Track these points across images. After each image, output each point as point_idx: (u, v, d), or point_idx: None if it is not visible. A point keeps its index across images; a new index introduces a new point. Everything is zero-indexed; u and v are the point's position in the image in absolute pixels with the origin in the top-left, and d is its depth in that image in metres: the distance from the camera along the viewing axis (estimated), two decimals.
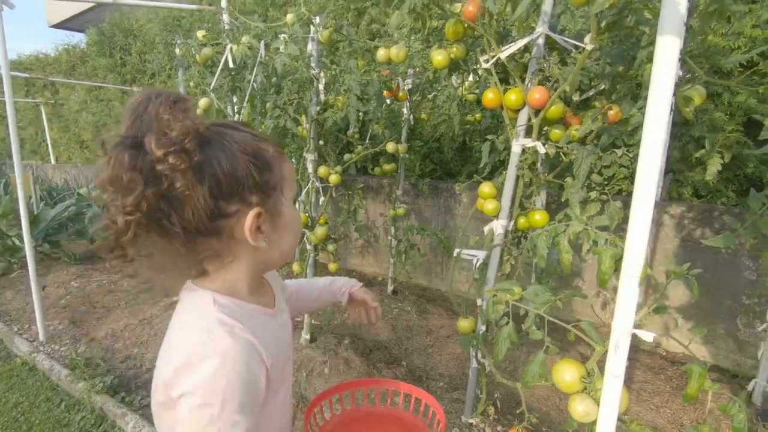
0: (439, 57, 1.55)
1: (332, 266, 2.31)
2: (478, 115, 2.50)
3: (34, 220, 4.16)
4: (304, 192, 2.13)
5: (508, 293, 0.95)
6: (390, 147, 2.31)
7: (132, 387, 2.20)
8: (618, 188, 1.51)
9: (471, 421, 1.73)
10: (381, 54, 1.67)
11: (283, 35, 1.81)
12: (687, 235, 2.51)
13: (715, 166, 1.65)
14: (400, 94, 2.12)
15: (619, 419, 1.04)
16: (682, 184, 2.71)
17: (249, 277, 0.70)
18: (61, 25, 9.47)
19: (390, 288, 3.10)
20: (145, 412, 2.00)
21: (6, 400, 2.20)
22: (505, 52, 1.46)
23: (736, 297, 2.34)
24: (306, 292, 1.00)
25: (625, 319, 0.75)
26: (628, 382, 2.19)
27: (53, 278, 3.63)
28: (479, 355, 1.67)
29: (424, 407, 0.98)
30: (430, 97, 2.57)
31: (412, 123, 2.64)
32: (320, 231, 2.09)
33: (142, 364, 2.38)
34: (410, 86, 2.50)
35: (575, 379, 0.86)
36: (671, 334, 2.58)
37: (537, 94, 1.43)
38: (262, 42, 1.96)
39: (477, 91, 2.45)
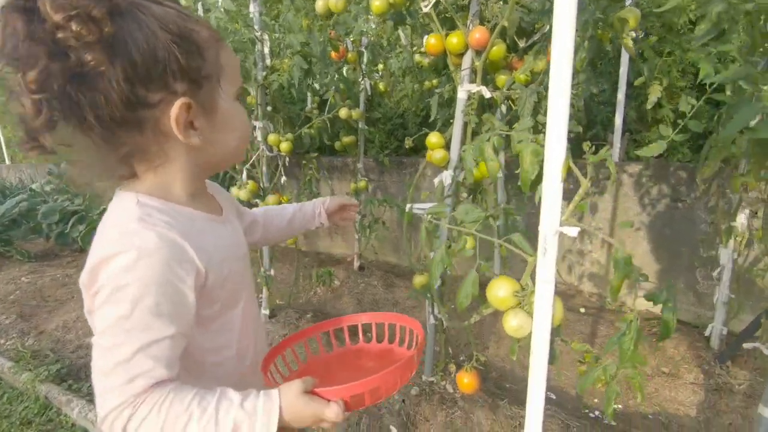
0: (377, 3, 1.49)
1: (290, 241, 2.24)
2: (435, 81, 2.46)
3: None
4: (253, 159, 2.05)
5: (439, 213, 0.90)
6: (343, 112, 2.25)
7: (82, 375, 2.09)
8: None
9: (431, 379, 1.70)
10: (320, 5, 1.60)
11: None
12: (645, 192, 2.53)
13: (655, 93, 1.63)
14: (349, 55, 2.05)
15: (561, 339, 1.01)
16: (640, 144, 2.73)
17: (187, 181, 0.62)
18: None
19: (356, 264, 3.04)
20: (93, 397, 1.89)
21: None
22: None
23: (695, 250, 2.37)
24: (275, 215, 0.94)
25: (550, 219, 0.70)
26: (592, 336, 2.19)
27: (3, 276, 3.45)
28: (435, 311, 1.63)
29: (400, 330, 0.86)
30: (382, 63, 2.51)
31: (369, 92, 2.58)
32: (271, 199, 2.02)
33: None
34: (365, 56, 2.44)
35: (508, 294, 0.82)
36: (634, 292, 2.60)
37: (477, 33, 1.39)
38: (199, 5, 1.87)
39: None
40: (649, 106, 1.58)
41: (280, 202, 2.08)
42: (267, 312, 2.26)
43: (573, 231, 0.70)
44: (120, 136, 0.55)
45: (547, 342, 0.78)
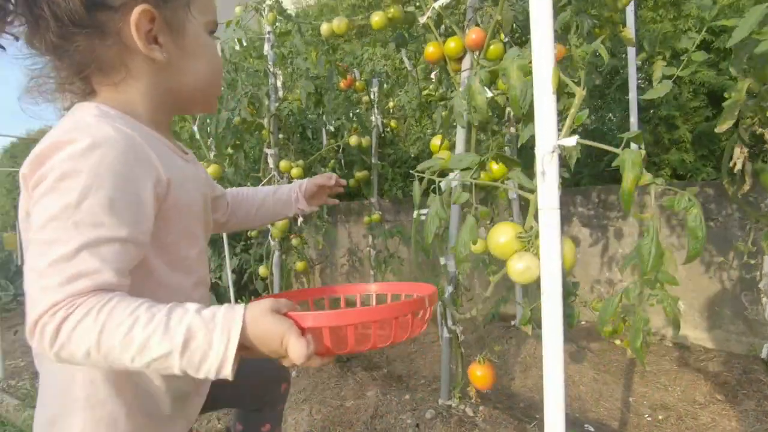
0: (376, 18, 1.58)
1: (299, 265, 2.20)
2: (432, 87, 2.51)
3: (18, 271, 4.13)
4: (264, 183, 2.09)
5: (437, 164, 0.86)
6: (353, 140, 2.30)
7: None
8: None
9: (449, 403, 1.53)
10: (324, 29, 1.71)
11: (231, 25, 1.87)
12: (671, 213, 2.40)
13: (659, 69, 1.56)
14: (357, 84, 2.15)
15: (576, 295, 0.90)
16: (659, 166, 2.65)
17: (150, 106, 0.59)
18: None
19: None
20: None
21: None
22: (438, 3, 1.48)
23: (735, 272, 2.17)
24: (245, 197, 0.89)
25: (546, 137, 0.65)
26: (629, 367, 1.97)
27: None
28: (450, 322, 1.51)
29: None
30: (392, 101, 2.60)
31: (380, 129, 2.65)
32: (280, 223, 2.01)
33: None
34: (376, 94, 2.55)
35: (510, 238, 0.75)
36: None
37: (473, 34, 1.43)
38: (218, 44, 2.03)
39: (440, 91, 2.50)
40: (655, 81, 1.51)
41: (289, 225, 2.07)
42: None
43: (571, 141, 0.64)
44: (77, 41, 0.52)
45: (559, 281, 0.69)
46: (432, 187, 0.85)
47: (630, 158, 0.62)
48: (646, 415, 1.63)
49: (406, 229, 2.70)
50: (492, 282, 0.86)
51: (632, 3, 2.20)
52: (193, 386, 0.67)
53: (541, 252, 0.68)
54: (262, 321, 0.47)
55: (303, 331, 0.47)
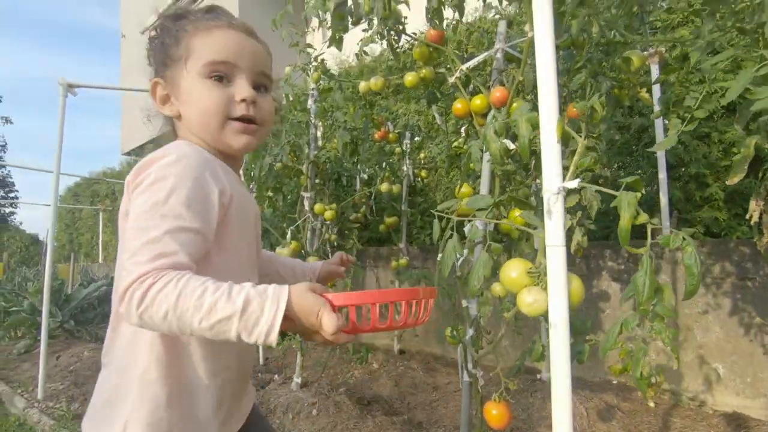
0: (409, 77, 1.75)
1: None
2: (472, 166, 2.64)
3: (67, 299, 4.37)
4: (299, 223, 2.23)
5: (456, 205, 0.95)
6: (384, 186, 2.44)
7: None
8: (590, 172, 1.52)
9: None
10: (362, 86, 1.90)
11: (280, 82, 2.10)
12: (706, 271, 2.34)
13: (674, 127, 1.60)
14: (390, 135, 2.31)
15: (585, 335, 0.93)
16: (692, 224, 2.61)
17: (200, 144, 0.73)
18: (132, 152, 10.99)
19: (396, 347, 2.93)
20: None
21: None
22: (467, 65, 1.64)
23: None
24: (277, 259, 0.99)
25: (551, 178, 0.74)
26: (663, 428, 1.87)
27: (71, 351, 3.66)
28: (470, 365, 1.53)
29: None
30: (424, 153, 2.75)
31: (411, 178, 2.80)
32: (311, 260, 2.12)
33: None
34: (408, 145, 2.72)
35: (521, 273, 0.81)
36: (714, 388, 2.24)
37: (497, 93, 1.56)
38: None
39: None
40: (670, 138, 1.55)
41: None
42: (299, 380, 2.20)
43: (573, 183, 0.72)
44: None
45: (566, 315, 0.74)
46: (450, 225, 0.94)
47: (626, 199, 0.69)
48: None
49: (432, 275, 2.74)
50: (507, 318, 0.91)
51: (657, 67, 2.31)
52: (230, 399, 0.75)
53: (549, 286, 0.74)
54: (303, 296, 0.56)
55: (334, 308, 0.56)
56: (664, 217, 2.60)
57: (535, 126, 0.83)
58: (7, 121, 21.61)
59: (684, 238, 0.67)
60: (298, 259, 1.06)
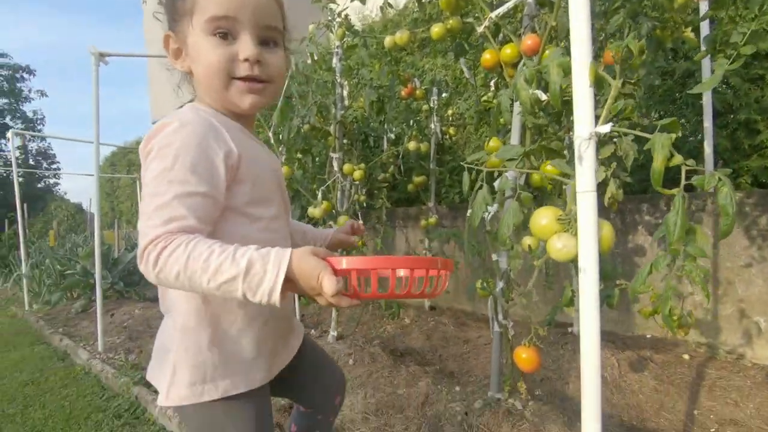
0: (436, 29, 1.69)
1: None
2: (502, 120, 2.56)
3: (115, 262, 4.67)
4: (328, 183, 2.26)
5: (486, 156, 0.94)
6: (412, 145, 2.42)
7: None
8: (627, 121, 1.45)
9: (498, 396, 1.56)
10: (388, 41, 1.85)
11: (305, 41, 2.07)
12: (752, 223, 2.24)
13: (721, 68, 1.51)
14: (417, 92, 2.26)
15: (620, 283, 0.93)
16: (738, 173, 2.48)
17: (212, 102, 0.74)
18: None
19: (427, 303, 3.00)
20: None
21: (59, 394, 2.34)
22: (496, 12, 1.56)
23: None
24: (295, 226, 0.99)
25: (584, 125, 0.72)
26: (698, 379, 1.87)
27: (123, 310, 3.95)
28: (500, 316, 1.56)
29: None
30: (452, 109, 2.69)
31: (439, 136, 2.75)
32: (342, 219, 2.16)
33: None
34: (435, 102, 2.66)
35: (551, 220, 0.81)
36: (754, 341, 2.19)
37: (529, 40, 1.49)
38: (292, 58, 2.25)
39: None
40: (714, 79, 1.45)
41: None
42: (335, 334, 2.30)
43: (606, 128, 0.70)
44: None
45: (596, 260, 0.74)
46: (480, 176, 0.94)
47: (659, 141, 0.66)
48: (712, 430, 1.56)
49: (461, 233, 2.75)
50: (537, 266, 0.92)
51: (706, 3, 2.13)
52: (271, 338, 0.79)
53: (579, 231, 0.74)
54: (305, 259, 0.57)
55: (336, 272, 0.57)
56: (708, 167, 2.47)
57: (567, 71, 0.80)
58: (43, 94, 22.40)
59: (720, 179, 0.65)
60: (318, 225, 1.06)
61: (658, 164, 0.65)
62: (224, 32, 0.68)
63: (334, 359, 1.00)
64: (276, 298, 0.56)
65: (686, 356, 2.17)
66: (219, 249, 0.57)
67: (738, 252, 2.26)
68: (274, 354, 0.80)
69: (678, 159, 0.65)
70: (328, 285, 0.55)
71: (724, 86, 2.55)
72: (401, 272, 0.61)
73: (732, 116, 2.51)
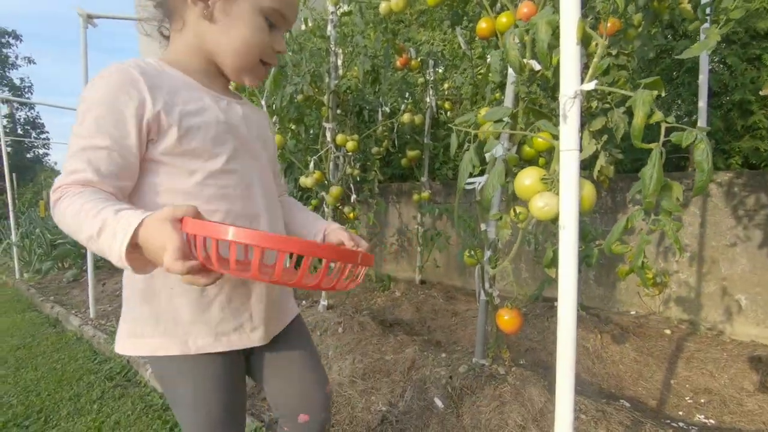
0: None
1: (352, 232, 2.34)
2: (497, 95, 2.55)
3: None
4: (321, 153, 2.25)
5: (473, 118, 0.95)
6: (406, 117, 2.40)
7: None
8: (621, 95, 1.45)
9: (482, 362, 1.60)
10: (383, 7, 1.82)
11: (299, 6, 2.03)
12: (739, 203, 2.27)
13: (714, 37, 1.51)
14: (413, 62, 2.24)
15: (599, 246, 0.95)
16: (729, 154, 2.50)
17: (194, 57, 0.73)
18: None
19: (417, 278, 3.03)
20: None
21: (50, 357, 2.37)
22: None
23: None
24: (289, 211, 0.92)
25: (569, 83, 0.72)
26: (677, 352, 1.92)
27: (115, 279, 3.96)
28: (486, 285, 1.58)
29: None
30: (447, 83, 2.66)
31: (434, 110, 2.74)
32: (335, 190, 2.17)
33: None
34: (432, 74, 2.63)
35: (535, 180, 0.82)
36: (734, 318, 2.25)
37: (525, 8, 1.47)
38: None
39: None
40: (708, 46, 1.44)
41: (343, 194, 2.21)
42: (326, 303, 2.33)
43: (591, 85, 0.70)
44: None
45: (576, 218, 0.75)
46: (467, 138, 0.94)
47: (641, 98, 0.67)
48: (687, 398, 1.61)
49: (453, 209, 2.77)
50: (520, 228, 0.93)
51: None
52: (218, 306, 0.73)
53: (561, 189, 0.75)
54: (152, 226, 0.54)
55: (188, 237, 0.51)
56: None
57: (555, 29, 0.79)
58: (30, 61, 21.87)
59: (697, 135, 0.66)
60: (303, 211, 0.94)
61: (638, 120, 0.65)
62: (272, 21, 0.73)
63: (325, 374, 0.89)
64: (125, 264, 0.54)
65: (668, 331, 2.22)
66: (90, 206, 0.57)
67: (724, 231, 2.30)
68: (225, 324, 0.74)
69: (658, 116, 0.66)
70: (168, 258, 0.51)
71: (721, 66, 2.55)
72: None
73: (727, 97, 2.51)
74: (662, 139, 0.67)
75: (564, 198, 0.74)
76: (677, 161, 2.64)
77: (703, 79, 2.45)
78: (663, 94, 0.68)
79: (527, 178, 0.83)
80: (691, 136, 0.66)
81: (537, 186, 0.82)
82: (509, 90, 1.56)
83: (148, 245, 0.54)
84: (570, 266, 0.75)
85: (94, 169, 0.61)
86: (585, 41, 0.73)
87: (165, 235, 0.52)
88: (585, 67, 0.90)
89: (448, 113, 2.97)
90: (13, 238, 4.69)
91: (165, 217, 0.53)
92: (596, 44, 0.80)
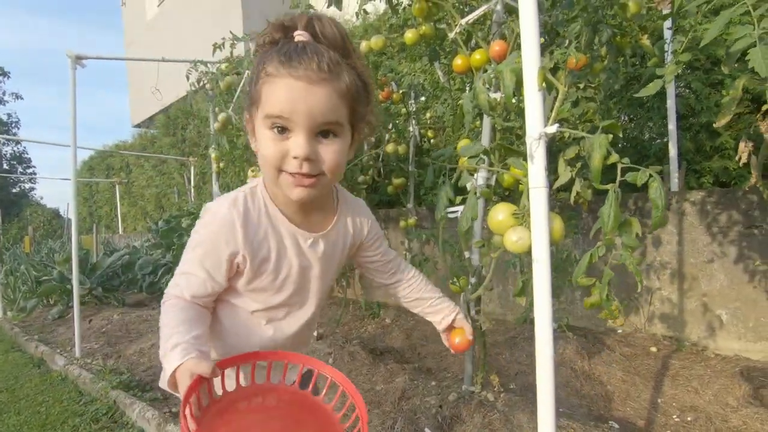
0: (409, 35, 1.74)
1: None
2: (477, 123, 2.64)
3: (93, 267, 4.59)
4: None
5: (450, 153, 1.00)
6: (390, 147, 2.47)
7: (147, 387, 2.26)
8: (590, 123, 1.53)
9: (471, 389, 1.61)
10: (363, 46, 1.90)
11: None
12: (713, 220, 2.35)
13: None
14: (395, 95, 2.32)
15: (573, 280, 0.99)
16: (701, 174, 2.60)
17: (271, 184, 0.78)
18: (142, 125, 11.08)
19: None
20: (153, 402, 2.03)
21: (34, 400, 2.31)
22: (466, 19, 1.63)
23: None
24: (415, 290, 0.98)
25: (534, 126, 0.78)
26: (663, 370, 1.95)
27: (101, 315, 3.89)
28: (472, 311, 1.61)
29: (341, 397, 0.70)
30: (430, 112, 2.75)
31: (418, 139, 2.81)
32: None
33: (162, 370, 2.45)
34: (413, 105, 2.72)
35: (507, 215, 0.87)
36: (716, 333, 2.30)
37: (497, 46, 1.56)
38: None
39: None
40: (667, 82, 1.53)
41: None
42: (315, 334, 2.33)
43: (552, 129, 0.76)
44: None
45: (547, 252, 0.79)
46: (443, 173, 0.99)
47: (597, 141, 0.72)
48: (674, 416, 1.64)
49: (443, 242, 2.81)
50: (493, 258, 0.97)
51: (669, 6, 2.23)
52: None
53: (532, 224, 0.80)
54: (180, 376, 0.65)
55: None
56: (673, 168, 2.59)
57: (519, 76, 0.85)
58: (18, 97, 21.88)
59: (651, 175, 0.71)
60: (433, 293, 0.98)
61: (595, 162, 0.71)
62: (280, 127, 0.70)
63: None
64: (170, 388, 0.68)
65: (654, 348, 2.26)
66: (173, 324, 0.72)
67: (701, 248, 2.37)
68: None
69: (614, 158, 0.71)
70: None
71: (687, 90, 2.68)
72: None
73: (694, 119, 2.63)
74: (618, 179, 0.72)
75: (535, 233, 0.79)
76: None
77: (670, 103, 2.58)
78: (620, 135, 0.73)
79: (500, 213, 0.88)
80: (644, 176, 0.72)
81: (509, 221, 0.87)
82: (486, 122, 1.63)
83: (174, 387, 0.67)
84: (544, 296, 0.79)
85: (189, 291, 0.77)
86: (548, 85, 0.80)
87: (182, 382, 0.64)
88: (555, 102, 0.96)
89: (431, 140, 3.05)
90: None
91: (189, 371, 0.64)
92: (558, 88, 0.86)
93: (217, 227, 0.77)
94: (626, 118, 2.92)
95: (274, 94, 0.69)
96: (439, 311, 0.95)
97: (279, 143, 0.70)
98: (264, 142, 0.71)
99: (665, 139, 2.64)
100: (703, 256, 2.36)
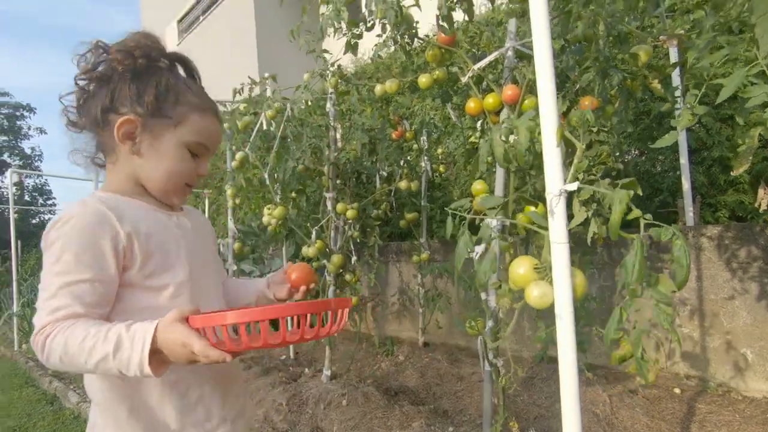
0: (423, 79, 1.80)
1: (354, 300, 2.37)
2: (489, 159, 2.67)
3: None
4: (322, 223, 2.32)
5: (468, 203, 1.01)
6: (403, 184, 2.50)
7: None
8: (603, 165, 1.54)
9: None
10: (378, 90, 1.97)
11: (300, 89, 2.19)
12: (731, 256, 2.32)
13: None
14: (407, 133, 2.37)
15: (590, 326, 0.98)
16: (716, 208, 2.58)
17: (134, 185, 0.80)
18: None
19: (421, 340, 3.01)
20: None
21: None
22: (478, 65, 1.68)
23: None
24: (235, 285, 1.00)
25: (553, 181, 0.79)
26: (689, 415, 1.88)
27: None
28: (490, 355, 1.59)
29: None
30: (441, 149, 2.80)
31: (430, 174, 2.85)
32: (336, 258, 2.21)
33: None
34: (425, 142, 2.77)
35: (528, 270, 0.87)
36: (742, 373, 2.22)
37: (509, 90, 1.60)
38: (288, 104, 2.36)
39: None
40: (680, 129, 1.54)
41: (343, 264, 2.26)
42: (329, 373, 2.30)
43: (573, 186, 0.77)
44: (97, 130, 0.78)
45: (571, 308, 0.79)
46: (462, 222, 1.00)
47: (618, 197, 0.73)
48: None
49: (453, 268, 2.80)
50: (516, 310, 0.97)
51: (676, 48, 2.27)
52: (201, 406, 0.77)
53: (554, 281, 0.80)
54: (169, 329, 0.61)
55: (197, 331, 0.59)
56: (687, 202, 2.57)
57: (534, 134, 0.88)
58: (42, 131, 22.67)
59: (674, 232, 0.72)
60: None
61: (615, 218, 0.72)
62: (195, 152, 0.80)
63: None
64: (147, 371, 0.60)
65: (677, 390, 2.19)
66: (94, 330, 0.63)
67: (721, 284, 2.32)
68: (209, 420, 0.78)
69: (636, 213, 0.72)
70: (198, 350, 0.59)
71: (697, 125, 2.69)
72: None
73: (706, 153, 2.64)
74: (642, 231, 0.73)
75: (558, 289, 0.79)
76: (669, 215, 2.71)
77: (682, 138, 2.59)
78: (640, 193, 0.74)
79: (521, 267, 0.89)
80: (668, 232, 0.72)
81: (530, 275, 0.87)
82: (500, 169, 1.66)
83: (166, 345, 0.61)
84: (569, 354, 0.78)
85: (80, 303, 0.66)
86: (566, 142, 0.81)
87: (182, 334, 0.60)
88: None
89: (443, 175, 3.08)
90: (15, 307, 4.66)
91: (175, 318, 0.61)
92: (577, 144, 0.88)
93: (79, 219, 0.69)
94: (636, 152, 2.94)
95: (205, 127, 0.80)
96: (260, 280, 0.98)
97: (190, 162, 0.80)
98: (175, 159, 0.78)
99: (677, 173, 2.64)
100: (724, 292, 2.31)
